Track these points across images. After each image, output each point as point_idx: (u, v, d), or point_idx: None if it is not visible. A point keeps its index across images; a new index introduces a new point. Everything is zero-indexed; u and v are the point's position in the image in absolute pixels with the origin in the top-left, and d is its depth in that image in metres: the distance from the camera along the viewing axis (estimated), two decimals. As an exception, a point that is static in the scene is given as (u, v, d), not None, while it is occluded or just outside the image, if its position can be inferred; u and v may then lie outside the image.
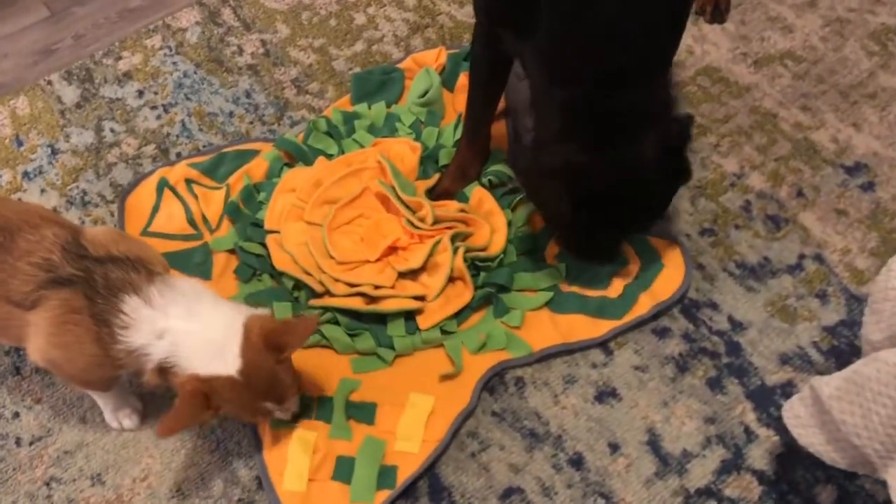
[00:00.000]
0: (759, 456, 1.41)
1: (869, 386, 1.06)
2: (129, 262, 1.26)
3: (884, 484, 1.33)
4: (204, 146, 1.86)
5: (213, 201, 1.73)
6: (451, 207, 1.65)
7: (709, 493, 1.38)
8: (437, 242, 1.59)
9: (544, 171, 1.39)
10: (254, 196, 1.72)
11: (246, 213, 1.70)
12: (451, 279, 1.57)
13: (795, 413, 1.21)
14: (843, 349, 1.51)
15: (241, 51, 2.02)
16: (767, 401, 1.47)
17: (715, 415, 1.46)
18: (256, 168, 1.77)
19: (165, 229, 1.70)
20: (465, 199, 1.67)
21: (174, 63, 2.00)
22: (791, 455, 1.41)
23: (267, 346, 1.26)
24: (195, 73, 1.98)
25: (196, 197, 1.73)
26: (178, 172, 1.76)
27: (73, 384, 1.46)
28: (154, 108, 1.93)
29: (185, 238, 1.69)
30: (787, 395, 1.47)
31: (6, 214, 1.28)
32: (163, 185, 1.75)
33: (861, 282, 1.59)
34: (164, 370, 1.24)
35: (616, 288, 1.58)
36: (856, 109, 1.83)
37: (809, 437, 1.18)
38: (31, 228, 1.26)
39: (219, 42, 2.04)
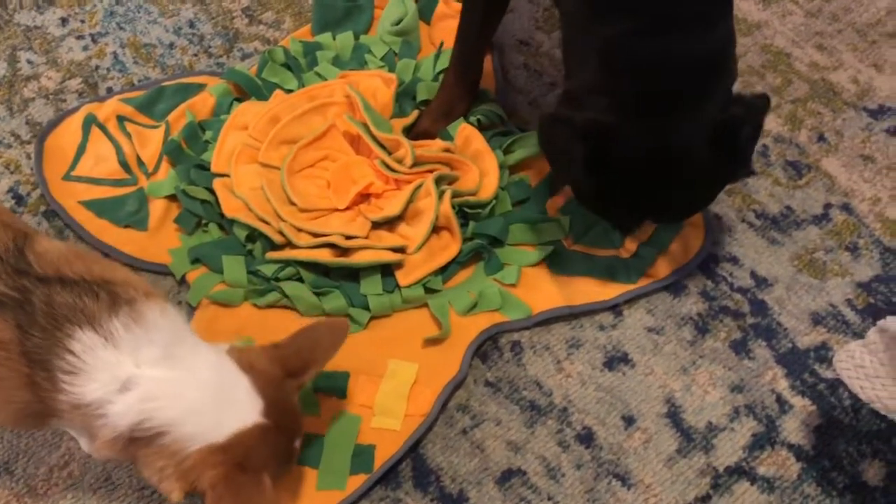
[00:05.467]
0: (794, 428, 1.22)
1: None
2: (85, 284, 0.93)
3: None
4: (139, 80, 1.59)
5: (149, 141, 1.47)
6: (433, 147, 1.41)
7: (740, 472, 1.18)
8: (419, 187, 1.36)
9: (562, 126, 1.13)
10: (198, 135, 1.46)
11: (189, 153, 1.45)
12: (436, 229, 1.34)
13: (857, 363, 1.02)
14: (880, 307, 1.33)
15: (183, -24, 1.75)
16: (801, 366, 1.27)
17: (742, 382, 1.26)
18: (201, 103, 1.51)
19: (93, 173, 1.44)
20: (449, 138, 1.44)
21: (104, -12, 1.73)
22: (831, 427, 1.22)
23: (286, 373, 0.99)
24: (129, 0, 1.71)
25: (129, 136, 1.47)
26: (108, 109, 1.50)
27: None
28: (80, 37, 1.65)
29: (117, 183, 1.43)
30: (823, 360, 1.28)
31: None
32: (90, 122, 1.48)
33: (895, 233, 1.41)
34: (136, 441, 0.91)
35: (629, 247, 1.36)
36: (875, 49, 1.66)
37: (877, 391, 0.99)
38: None
39: (157, -34, 1.77)
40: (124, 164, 1.44)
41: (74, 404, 0.91)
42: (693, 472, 1.18)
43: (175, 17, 1.68)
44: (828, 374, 1.26)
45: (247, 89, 1.53)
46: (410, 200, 1.35)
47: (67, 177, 1.43)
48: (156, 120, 1.50)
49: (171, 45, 1.64)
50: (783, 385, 1.26)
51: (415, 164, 1.38)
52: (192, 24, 1.67)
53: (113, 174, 1.44)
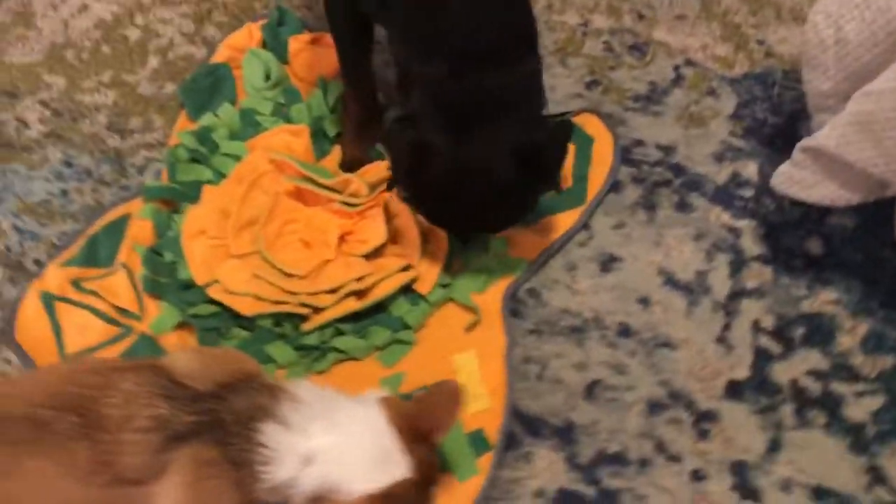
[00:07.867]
0: (752, 244, 1.54)
1: (875, 118, 1.18)
2: (243, 383, 1.06)
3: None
4: (59, 238, 1.56)
5: (117, 287, 1.48)
6: (377, 169, 1.55)
7: (738, 295, 1.49)
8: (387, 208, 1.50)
9: (398, 137, 1.33)
10: (159, 261, 1.50)
11: (165, 281, 1.48)
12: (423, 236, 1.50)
13: (796, 180, 1.33)
14: (754, 126, 1.67)
15: (24, 123, 1.69)
16: (729, 196, 1.59)
17: (700, 230, 1.56)
18: (141, 232, 1.53)
19: (85, 344, 1.44)
20: (380, 157, 1.58)
21: (-48, 170, 1.64)
22: (773, 230, 1.55)
23: (416, 439, 1.10)
24: (-13, 169, 1.64)
25: (95, 293, 1.47)
26: (56, 279, 1.48)
27: None
28: (-34, 227, 1.58)
29: (115, 340, 1.44)
30: (741, 184, 1.61)
31: (64, 390, 1.01)
32: (49, 300, 1.46)
33: (730, 65, 1.75)
34: (318, 499, 1.05)
35: (565, 180, 1.59)
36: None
37: (820, 192, 1.31)
38: (106, 389, 1.01)
39: (-11, 124, 1.69)
40: (110, 320, 1.45)
41: (272, 487, 1.04)
42: (707, 313, 1.48)
43: (46, 163, 1.64)
44: (747, 193, 1.59)
45: (172, 198, 1.56)
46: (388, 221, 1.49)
47: (66, 359, 1.42)
48: (107, 267, 1.51)
49: (65, 193, 1.61)
50: (726, 218, 1.57)
51: (371, 190, 1.52)
52: (68, 164, 1.64)
53: (106, 335, 1.44)
